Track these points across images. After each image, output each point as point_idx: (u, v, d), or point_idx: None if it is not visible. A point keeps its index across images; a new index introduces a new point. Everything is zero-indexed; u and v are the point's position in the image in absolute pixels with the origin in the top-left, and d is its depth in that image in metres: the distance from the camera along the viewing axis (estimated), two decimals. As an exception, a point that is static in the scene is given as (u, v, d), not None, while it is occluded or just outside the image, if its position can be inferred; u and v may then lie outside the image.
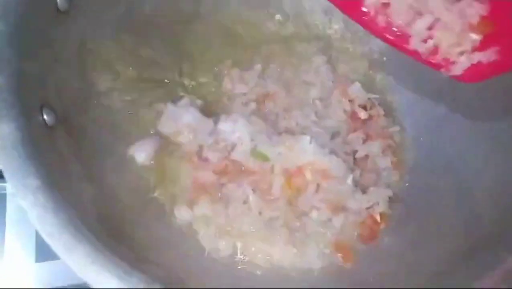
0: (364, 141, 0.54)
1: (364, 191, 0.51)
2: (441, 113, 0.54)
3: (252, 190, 0.49)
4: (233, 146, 0.50)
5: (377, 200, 0.50)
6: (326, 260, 0.48)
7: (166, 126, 0.51)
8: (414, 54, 0.42)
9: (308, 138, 0.49)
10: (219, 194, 0.50)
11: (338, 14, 0.60)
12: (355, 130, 0.55)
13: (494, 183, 0.45)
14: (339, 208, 0.49)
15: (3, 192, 0.55)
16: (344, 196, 0.49)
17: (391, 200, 0.51)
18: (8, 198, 0.55)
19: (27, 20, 0.38)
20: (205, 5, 0.59)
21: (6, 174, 0.32)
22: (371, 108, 0.56)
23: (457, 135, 0.52)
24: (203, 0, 0.59)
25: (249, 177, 0.50)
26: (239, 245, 0.48)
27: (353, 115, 0.55)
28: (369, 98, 0.56)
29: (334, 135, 0.54)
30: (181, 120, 0.51)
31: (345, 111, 0.55)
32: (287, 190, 0.49)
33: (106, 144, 0.47)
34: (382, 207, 0.50)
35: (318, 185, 0.50)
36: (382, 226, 0.50)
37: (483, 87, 0.47)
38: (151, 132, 0.52)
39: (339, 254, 0.49)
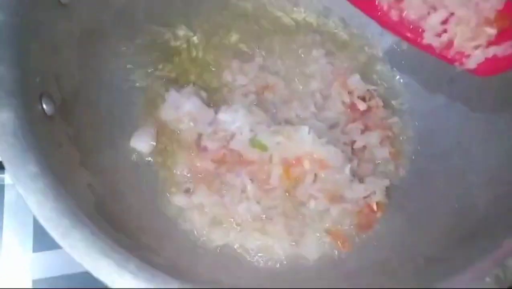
0: (363, 131, 0.54)
1: (361, 180, 0.51)
2: (439, 103, 0.54)
3: (250, 179, 0.50)
4: (232, 136, 0.51)
5: (374, 189, 0.50)
6: (323, 249, 0.49)
7: (167, 113, 0.52)
8: (428, 48, 0.42)
9: (306, 128, 0.49)
10: (217, 183, 0.50)
11: (336, 7, 0.61)
12: (354, 121, 0.55)
13: (490, 170, 0.45)
14: (336, 198, 0.50)
15: (1, 183, 0.55)
16: (342, 185, 0.50)
17: (388, 189, 0.51)
18: (6, 188, 0.55)
19: (28, 11, 0.38)
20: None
21: (5, 161, 0.32)
22: (370, 100, 0.56)
23: (455, 125, 0.52)
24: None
25: (247, 166, 0.50)
26: (235, 234, 0.49)
27: (352, 107, 0.55)
28: (368, 90, 0.56)
29: (332, 126, 0.54)
30: (183, 108, 0.51)
31: (344, 102, 0.55)
32: (285, 180, 0.50)
33: (104, 133, 0.47)
34: (379, 197, 0.50)
35: (316, 175, 0.50)
36: (379, 214, 0.50)
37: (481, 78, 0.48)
38: (151, 120, 0.52)
39: (337, 243, 0.49)
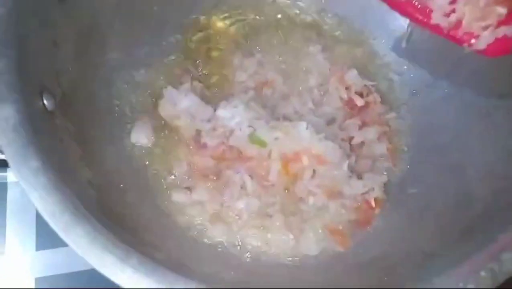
0: (360, 127, 0.54)
1: (359, 177, 0.51)
2: (437, 98, 0.54)
3: (250, 176, 0.50)
4: (231, 132, 0.51)
5: (372, 185, 0.50)
6: (322, 245, 0.49)
7: (165, 110, 0.52)
8: (436, 28, 0.41)
9: (304, 124, 0.50)
10: (216, 180, 0.51)
11: (333, 2, 0.61)
12: (351, 117, 0.55)
13: (487, 164, 0.45)
14: (335, 194, 0.50)
15: (3, 181, 0.56)
16: (340, 181, 0.50)
17: (386, 185, 0.52)
18: (9, 187, 0.56)
19: (28, 5, 0.38)
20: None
21: (7, 156, 0.33)
22: (367, 95, 0.56)
23: (452, 120, 0.52)
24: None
25: (246, 163, 0.50)
26: (235, 230, 0.49)
27: (349, 102, 0.55)
28: (365, 85, 0.56)
29: (330, 122, 0.54)
30: (180, 105, 0.51)
31: (341, 98, 0.55)
32: (284, 176, 0.50)
33: (104, 130, 0.48)
34: (377, 193, 0.50)
35: (314, 171, 0.50)
36: (377, 211, 0.50)
37: (478, 70, 0.48)
38: (150, 116, 0.52)
39: (335, 239, 0.49)
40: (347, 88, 0.56)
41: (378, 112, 0.56)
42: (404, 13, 0.43)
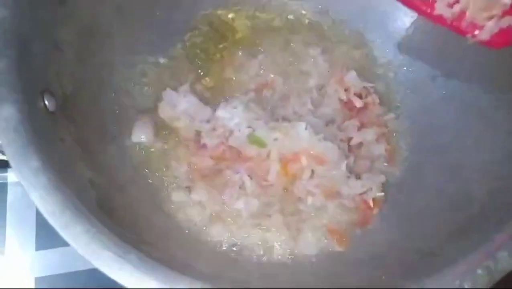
0: (359, 128, 0.54)
1: (358, 177, 0.51)
2: (435, 99, 0.55)
3: (249, 176, 0.50)
4: (231, 132, 0.51)
5: (370, 186, 0.50)
6: (320, 245, 0.49)
7: (164, 112, 0.52)
8: (439, 19, 0.41)
9: (303, 124, 0.50)
10: (216, 180, 0.51)
11: (332, 4, 0.61)
12: (350, 118, 0.55)
13: (485, 165, 0.45)
14: (333, 194, 0.50)
15: (4, 181, 0.56)
16: (339, 182, 0.50)
17: (384, 185, 0.52)
18: (9, 187, 0.56)
19: (29, 6, 0.39)
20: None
21: (8, 155, 0.33)
22: (366, 96, 0.56)
23: (450, 120, 0.52)
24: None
25: (245, 163, 0.51)
26: (234, 230, 0.49)
27: (348, 103, 0.56)
28: (364, 87, 0.56)
29: (329, 123, 0.54)
30: (179, 107, 0.52)
31: (340, 99, 0.55)
32: (283, 176, 0.50)
33: (105, 130, 0.48)
34: (375, 193, 0.51)
35: (313, 171, 0.50)
36: (375, 211, 0.51)
37: (477, 71, 0.48)
38: (151, 116, 0.53)
39: (334, 239, 0.49)
40: (346, 90, 0.56)
41: (376, 113, 0.56)
42: (407, 3, 0.43)
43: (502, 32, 0.39)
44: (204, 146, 0.51)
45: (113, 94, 0.51)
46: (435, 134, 0.53)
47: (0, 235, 0.53)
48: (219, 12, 0.61)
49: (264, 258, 0.49)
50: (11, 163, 0.33)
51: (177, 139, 0.53)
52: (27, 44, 0.38)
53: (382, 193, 0.51)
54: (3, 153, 0.34)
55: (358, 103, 0.55)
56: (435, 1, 0.41)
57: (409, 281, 0.36)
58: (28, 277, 0.52)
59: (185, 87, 0.54)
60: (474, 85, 0.51)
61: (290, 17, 0.62)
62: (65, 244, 0.31)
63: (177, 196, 0.50)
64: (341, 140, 0.53)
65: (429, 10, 0.41)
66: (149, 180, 0.50)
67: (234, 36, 0.60)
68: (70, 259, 0.53)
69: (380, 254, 0.46)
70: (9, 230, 0.54)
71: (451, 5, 0.40)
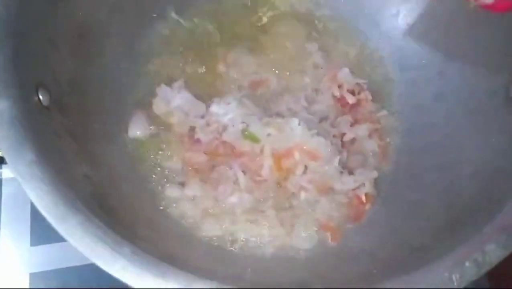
0: (352, 124, 0.55)
1: (351, 172, 0.52)
2: (428, 96, 0.55)
3: (243, 171, 0.50)
4: (225, 128, 0.51)
5: (363, 181, 0.51)
6: (314, 240, 0.50)
7: (159, 108, 0.53)
8: None
9: (296, 120, 0.50)
10: (210, 175, 0.51)
11: (327, 0, 0.62)
12: (343, 114, 0.55)
13: (476, 162, 0.46)
14: (326, 189, 0.51)
15: (-2, 177, 0.56)
16: (331, 177, 0.51)
17: (376, 181, 0.52)
18: (4, 183, 0.56)
19: (24, 3, 0.39)
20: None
21: (2, 149, 0.33)
22: (359, 93, 0.56)
23: (443, 118, 0.53)
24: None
25: (239, 158, 0.51)
26: (227, 225, 0.49)
27: (342, 100, 0.56)
28: (357, 83, 0.57)
29: (322, 119, 0.55)
30: (173, 102, 0.52)
31: (334, 96, 0.56)
32: (276, 172, 0.51)
33: (100, 125, 0.48)
34: (368, 188, 0.51)
35: (306, 167, 0.51)
36: (368, 206, 0.51)
37: (466, 69, 0.49)
38: (146, 111, 0.53)
39: (327, 234, 0.50)
40: (339, 86, 0.56)
41: (369, 109, 0.56)
42: None
43: None
44: (198, 141, 0.52)
45: (108, 90, 0.51)
46: (427, 132, 0.54)
47: (-6, 231, 0.53)
48: (213, 10, 0.61)
49: (258, 253, 0.49)
50: (6, 157, 0.33)
51: (171, 134, 0.53)
52: (22, 41, 0.38)
53: (375, 189, 0.52)
54: (-3, 150, 0.34)
55: (351, 100, 0.56)
56: None
57: (399, 275, 0.37)
58: (23, 273, 0.52)
59: (180, 82, 0.54)
60: (467, 83, 0.51)
61: (286, 13, 0.62)
62: (60, 239, 0.31)
63: (171, 192, 0.50)
64: (334, 136, 0.53)
65: None
66: (143, 175, 0.50)
67: (226, 33, 0.60)
68: (65, 255, 0.53)
69: (372, 249, 0.46)
70: (4, 226, 0.54)
71: None
